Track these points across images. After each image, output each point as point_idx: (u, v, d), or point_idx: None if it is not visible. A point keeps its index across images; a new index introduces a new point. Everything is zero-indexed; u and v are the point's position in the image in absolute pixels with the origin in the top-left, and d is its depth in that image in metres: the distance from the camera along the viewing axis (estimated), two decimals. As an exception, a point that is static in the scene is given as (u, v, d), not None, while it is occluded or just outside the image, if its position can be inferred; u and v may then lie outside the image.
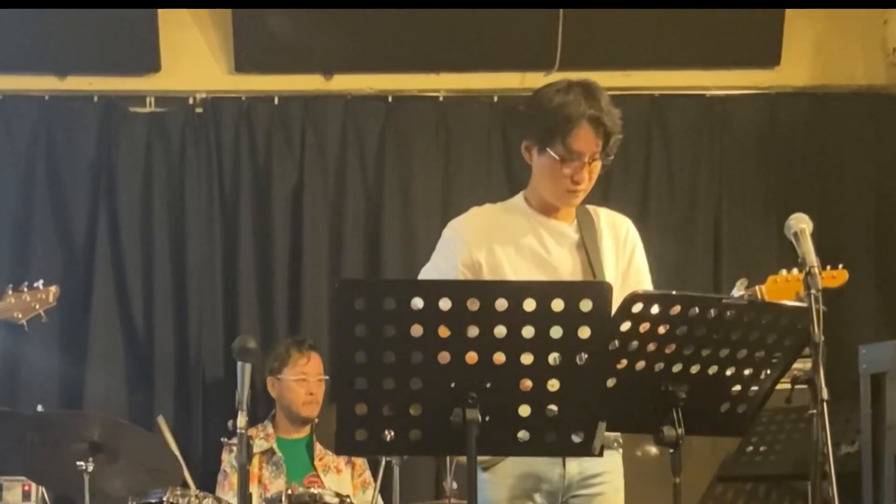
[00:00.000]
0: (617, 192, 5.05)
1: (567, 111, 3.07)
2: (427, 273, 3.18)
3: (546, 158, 3.12)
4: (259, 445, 4.79)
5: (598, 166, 3.13)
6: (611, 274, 3.14)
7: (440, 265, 3.18)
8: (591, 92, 3.09)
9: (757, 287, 3.77)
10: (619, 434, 3.11)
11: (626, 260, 3.22)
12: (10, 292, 4.20)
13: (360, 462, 4.87)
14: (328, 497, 4.01)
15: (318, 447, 4.81)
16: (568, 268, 3.15)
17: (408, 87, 5.39)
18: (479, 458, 3.15)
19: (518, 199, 3.24)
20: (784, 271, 3.79)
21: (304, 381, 4.83)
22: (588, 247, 3.15)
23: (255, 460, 4.74)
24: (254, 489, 4.64)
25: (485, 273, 3.12)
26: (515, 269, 3.12)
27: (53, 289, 4.25)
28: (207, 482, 4.74)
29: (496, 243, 3.15)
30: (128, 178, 5.26)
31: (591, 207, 3.25)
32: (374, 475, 4.64)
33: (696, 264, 5.32)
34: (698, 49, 5.31)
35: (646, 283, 3.21)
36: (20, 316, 4.18)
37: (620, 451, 3.23)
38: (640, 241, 3.27)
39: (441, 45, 5.31)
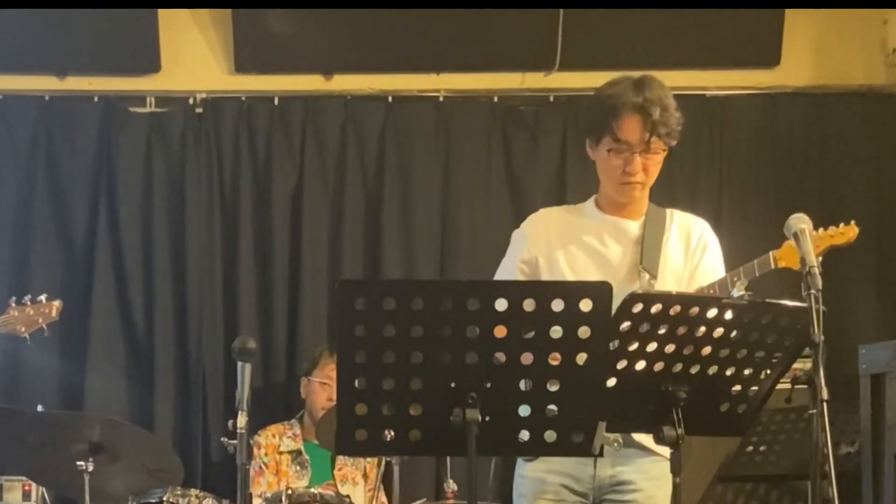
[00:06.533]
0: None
1: (612, 101, 3.12)
2: (498, 270, 3.31)
3: (600, 151, 3.18)
4: (286, 445, 4.81)
5: (655, 159, 3.15)
6: (671, 272, 3.18)
7: (506, 263, 3.31)
8: (641, 82, 3.13)
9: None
10: (618, 434, 3.11)
11: (694, 262, 3.23)
12: (13, 306, 4.17)
13: (373, 477, 4.86)
14: (328, 497, 4.00)
15: (339, 457, 4.80)
16: (618, 260, 3.20)
17: (408, 87, 5.39)
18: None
19: (589, 201, 3.31)
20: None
21: (328, 385, 4.81)
22: (646, 243, 3.19)
23: (284, 458, 4.79)
24: (281, 485, 4.62)
25: (542, 268, 3.21)
26: (572, 264, 3.19)
27: (56, 303, 4.22)
28: (208, 482, 4.74)
29: (556, 240, 3.23)
30: (128, 178, 5.26)
31: (668, 210, 3.29)
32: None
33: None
34: (698, 49, 5.30)
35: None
36: (23, 329, 4.16)
37: (664, 462, 3.20)
38: (714, 244, 3.29)
39: (441, 45, 5.30)
